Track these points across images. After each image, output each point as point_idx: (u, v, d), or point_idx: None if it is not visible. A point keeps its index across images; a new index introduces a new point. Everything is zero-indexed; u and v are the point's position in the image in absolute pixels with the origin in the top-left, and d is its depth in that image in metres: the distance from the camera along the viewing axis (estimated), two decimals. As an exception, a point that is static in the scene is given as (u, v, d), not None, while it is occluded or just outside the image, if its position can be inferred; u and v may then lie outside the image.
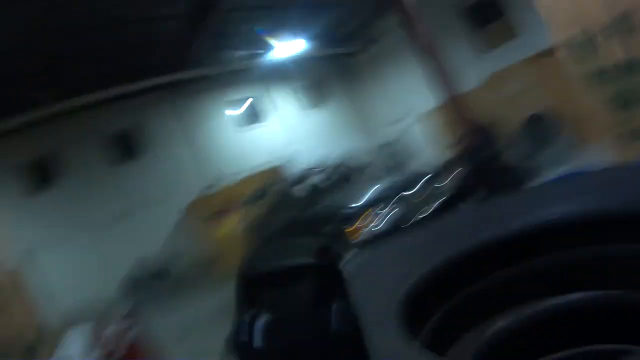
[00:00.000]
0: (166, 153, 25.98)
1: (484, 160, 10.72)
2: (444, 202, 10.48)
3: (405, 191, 10.79)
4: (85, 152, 24.29)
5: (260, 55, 25.34)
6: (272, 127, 29.66)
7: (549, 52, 13.72)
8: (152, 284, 21.42)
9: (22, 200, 23.06)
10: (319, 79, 31.34)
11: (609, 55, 6.98)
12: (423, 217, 9.86)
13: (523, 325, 2.47)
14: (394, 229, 9.55)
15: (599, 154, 8.87)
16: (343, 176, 15.47)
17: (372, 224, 10.05)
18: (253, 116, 29.52)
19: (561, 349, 2.31)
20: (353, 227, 10.05)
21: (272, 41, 23.56)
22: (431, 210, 10.12)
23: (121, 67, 21.64)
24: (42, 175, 23.68)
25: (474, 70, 21.56)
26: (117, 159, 25.30)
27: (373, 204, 10.43)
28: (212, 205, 22.28)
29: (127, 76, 22.35)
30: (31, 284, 16.38)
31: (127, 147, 25.59)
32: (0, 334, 5.11)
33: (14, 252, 20.20)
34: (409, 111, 27.86)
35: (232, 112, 28.63)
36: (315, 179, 15.78)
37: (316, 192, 14.94)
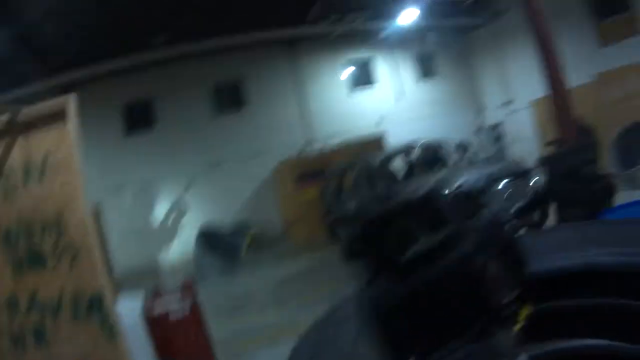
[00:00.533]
0: (271, 108, 26.34)
1: (576, 165, 10.61)
2: (523, 206, 10.53)
3: (496, 183, 10.88)
4: (190, 98, 24.89)
5: (381, 19, 25.25)
6: (381, 93, 29.64)
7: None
8: (226, 241, 21.46)
9: (120, 140, 23.84)
10: (435, 49, 30.97)
11: None
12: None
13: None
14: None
15: None
16: (439, 157, 15.49)
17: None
18: (364, 79, 29.54)
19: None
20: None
21: (397, 5, 23.38)
22: (511, 212, 10.20)
23: (238, 19, 21.87)
24: (143, 117, 24.36)
25: (588, 63, 21.02)
26: (221, 109, 25.85)
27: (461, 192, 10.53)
28: (303, 167, 22.26)
29: (243, 28, 22.66)
30: (109, 223, 16.90)
31: (233, 98, 26.05)
32: (70, 278, 5.42)
33: (102, 187, 20.91)
34: (520, 96, 27.45)
35: (346, 73, 28.72)
36: (411, 157, 15.85)
37: (409, 170, 15.07)
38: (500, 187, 10.85)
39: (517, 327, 1.98)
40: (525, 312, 2.01)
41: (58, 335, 5.41)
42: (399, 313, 1.66)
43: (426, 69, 31.50)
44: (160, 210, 23.31)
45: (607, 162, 15.71)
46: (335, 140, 24.75)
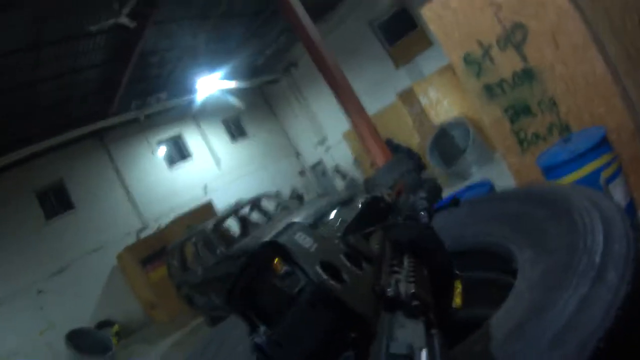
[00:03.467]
0: (99, 200, 25.97)
1: (395, 181, 10.94)
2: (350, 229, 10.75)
3: (324, 218, 11.18)
4: (17, 210, 23.97)
5: (184, 93, 25.49)
6: (201, 162, 29.89)
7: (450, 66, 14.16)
8: (96, 337, 21.26)
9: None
10: (244, 109, 31.34)
11: (502, 67, 7.29)
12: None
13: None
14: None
15: (501, 161, 9.30)
16: (274, 206, 15.83)
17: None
18: (181, 153, 29.83)
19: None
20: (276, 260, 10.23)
21: (194, 79, 23.70)
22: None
23: (46, 123, 21.87)
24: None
25: (388, 86, 22.05)
26: (50, 214, 25.12)
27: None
28: (144, 250, 22.25)
29: (53, 130, 22.45)
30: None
31: (59, 201, 25.50)
32: None
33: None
34: (331, 132, 28.22)
35: (160, 152, 28.81)
36: (243, 213, 16.12)
37: (244, 226, 15.29)
38: (330, 218, 11.10)
39: (457, 300, 2.06)
40: (459, 285, 2.08)
41: None
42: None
43: (237, 130, 32.17)
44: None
45: (430, 165, 16.41)
46: (167, 218, 24.80)
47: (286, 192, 26.10)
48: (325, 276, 1.56)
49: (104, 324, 22.75)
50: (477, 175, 14.38)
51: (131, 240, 24.33)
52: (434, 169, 16.31)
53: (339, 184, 28.35)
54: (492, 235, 2.87)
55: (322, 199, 14.22)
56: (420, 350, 1.36)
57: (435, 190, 7.37)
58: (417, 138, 18.73)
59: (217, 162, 30.11)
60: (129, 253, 22.68)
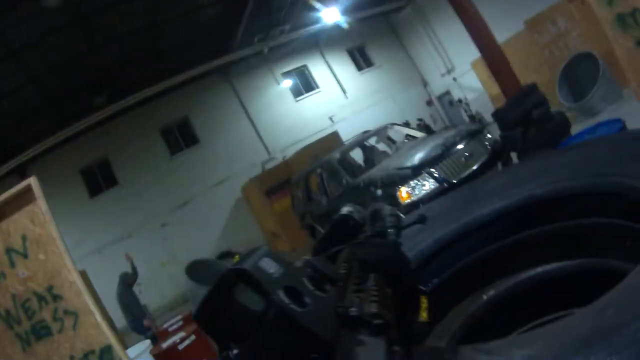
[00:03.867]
0: (224, 133, 26.55)
1: (526, 111, 10.86)
2: (484, 161, 10.74)
3: (452, 149, 11.05)
4: (144, 147, 24.92)
5: (307, 24, 25.57)
6: (327, 92, 29.88)
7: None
8: (216, 268, 21.60)
9: (87, 201, 23.83)
10: (368, 39, 31.38)
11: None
12: (464, 177, 10.28)
13: (507, 296, 2.83)
14: (438, 192, 9.96)
15: (632, 99, 8.90)
16: (401, 136, 15.72)
17: (420, 186, 10.42)
18: (307, 84, 29.86)
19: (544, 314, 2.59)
20: (403, 190, 10.49)
21: (316, 9, 23.48)
22: (472, 170, 10.53)
23: (170, 62, 22.37)
24: (103, 176, 24.41)
25: (514, 13, 21.37)
26: (175, 149, 26.09)
27: (422, 165, 10.72)
28: (269, 180, 22.47)
29: (180, 68, 23.01)
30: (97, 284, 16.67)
31: (184, 136, 26.33)
32: (71, 341, 5.51)
33: (81, 251, 20.67)
34: (459, 61, 27.71)
35: (285, 84, 28.97)
36: (369, 143, 16.07)
37: (370, 156, 15.28)
38: (457, 149, 11.02)
39: (424, 315, 2.03)
40: (424, 303, 2.05)
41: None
42: None
43: (363, 59, 31.88)
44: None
45: (558, 99, 15.95)
46: (293, 149, 25.22)
47: (413, 122, 25.93)
48: (287, 300, 1.66)
49: (225, 255, 23.13)
50: (605, 112, 13.88)
51: (256, 171, 24.61)
52: (562, 103, 15.80)
53: (465, 115, 28.01)
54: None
55: (450, 130, 14.05)
56: None
57: (564, 125, 7.41)
58: (546, 69, 18.19)
59: (343, 92, 30.09)
60: (254, 184, 22.99)
